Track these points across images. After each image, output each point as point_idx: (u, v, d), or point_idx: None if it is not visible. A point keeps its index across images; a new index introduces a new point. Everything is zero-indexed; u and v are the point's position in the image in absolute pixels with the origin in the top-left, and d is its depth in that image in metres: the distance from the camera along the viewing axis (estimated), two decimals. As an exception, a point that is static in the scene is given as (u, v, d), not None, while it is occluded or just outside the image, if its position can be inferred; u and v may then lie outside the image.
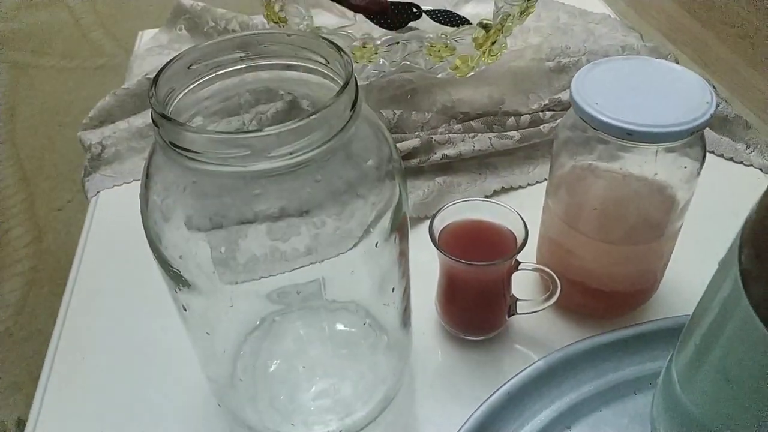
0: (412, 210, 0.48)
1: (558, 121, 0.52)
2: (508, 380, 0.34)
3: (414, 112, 0.54)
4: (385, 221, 0.28)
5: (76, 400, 0.39)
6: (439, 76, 0.55)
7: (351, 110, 0.25)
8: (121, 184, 0.54)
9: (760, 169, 0.52)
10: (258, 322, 0.37)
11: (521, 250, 0.35)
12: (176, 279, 0.27)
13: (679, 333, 0.28)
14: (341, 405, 0.35)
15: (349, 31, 0.50)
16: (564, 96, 0.56)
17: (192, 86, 0.27)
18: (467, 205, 0.38)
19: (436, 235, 0.36)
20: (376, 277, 0.31)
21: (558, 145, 0.36)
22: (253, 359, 0.36)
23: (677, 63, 0.43)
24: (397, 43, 0.51)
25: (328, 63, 0.27)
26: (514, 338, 0.40)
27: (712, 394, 0.24)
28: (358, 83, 0.26)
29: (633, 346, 0.36)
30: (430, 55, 0.52)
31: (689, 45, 0.71)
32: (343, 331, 0.38)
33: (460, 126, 0.54)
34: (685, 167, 0.33)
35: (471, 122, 0.54)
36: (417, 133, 0.53)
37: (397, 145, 0.51)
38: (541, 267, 0.37)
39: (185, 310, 0.30)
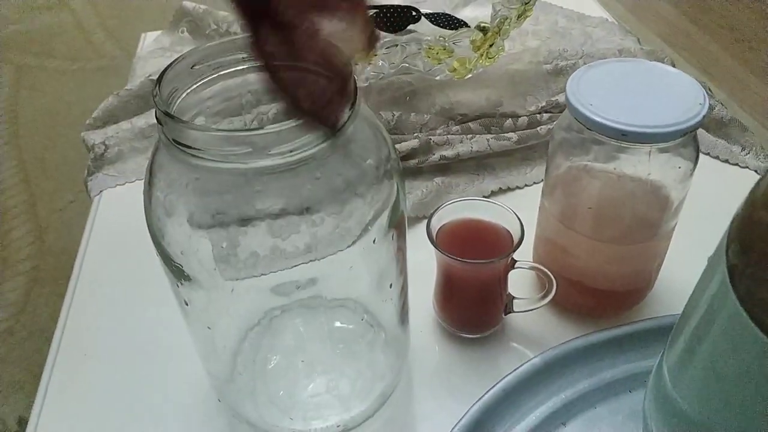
0: (411, 210, 0.48)
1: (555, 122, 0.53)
2: (504, 377, 0.35)
3: (413, 114, 0.55)
4: (383, 219, 0.29)
5: (77, 399, 0.39)
6: (438, 78, 0.56)
7: (350, 109, 0.25)
8: (124, 184, 0.54)
9: (756, 171, 0.52)
10: (258, 319, 0.37)
11: (517, 248, 0.36)
12: (178, 274, 0.28)
13: (673, 331, 0.29)
14: (340, 401, 0.36)
15: (349, 34, 0.51)
16: (561, 98, 0.56)
17: (194, 86, 0.28)
18: (464, 205, 0.38)
19: (434, 234, 0.37)
20: (374, 274, 0.32)
21: (554, 146, 0.37)
22: (253, 355, 0.37)
23: (674, 66, 0.44)
24: (396, 45, 0.51)
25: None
26: (510, 336, 0.40)
27: (701, 388, 0.24)
28: (358, 85, 0.26)
29: (628, 345, 0.37)
30: (429, 57, 0.52)
31: (687, 49, 0.72)
32: (341, 328, 0.39)
33: (458, 127, 0.54)
34: (679, 167, 0.34)
35: (469, 124, 0.55)
36: (416, 134, 0.54)
37: (396, 146, 0.52)
38: (537, 266, 0.38)
39: (186, 304, 0.30)
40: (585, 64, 0.57)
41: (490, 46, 0.53)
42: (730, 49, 0.65)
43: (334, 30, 0.20)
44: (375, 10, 0.64)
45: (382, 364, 0.37)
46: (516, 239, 0.36)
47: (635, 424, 0.34)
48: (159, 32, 0.74)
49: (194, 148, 0.24)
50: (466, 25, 0.64)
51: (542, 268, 0.38)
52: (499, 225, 0.38)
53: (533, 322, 0.41)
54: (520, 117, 0.55)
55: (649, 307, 0.41)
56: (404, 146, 0.52)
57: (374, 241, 0.29)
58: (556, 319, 0.41)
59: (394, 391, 0.37)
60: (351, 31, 0.20)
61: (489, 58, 0.54)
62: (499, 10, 0.52)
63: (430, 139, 0.53)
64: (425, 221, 0.37)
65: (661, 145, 0.32)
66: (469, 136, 0.54)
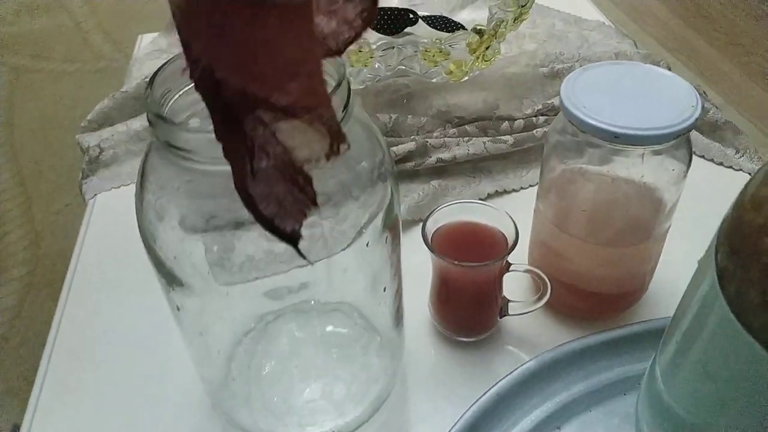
0: (407, 213, 0.48)
1: (551, 125, 0.53)
2: (499, 380, 0.35)
3: (410, 116, 0.55)
4: (377, 222, 0.29)
5: (71, 405, 0.39)
6: (434, 80, 0.56)
7: (343, 111, 0.25)
8: (119, 187, 0.54)
9: (750, 174, 0.53)
10: (252, 324, 0.37)
11: (512, 251, 0.36)
12: (170, 279, 0.28)
13: (666, 333, 0.29)
14: (334, 405, 0.36)
15: (345, 36, 0.51)
16: (557, 101, 0.56)
17: (188, 88, 0.27)
18: (459, 208, 0.38)
19: (429, 237, 0.37)
20: (368, 277, 0.32)
21: (548, 148, 0.37)
22: (247, 360, 0.37)
23: (669, 70, 0.44)
24: (393, 47, 0.51)
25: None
26: (505, 339, 0.40)
27: (692, 391, 0.24)
28: (354, 87, 0.26)
29: (622, 347, 0.37)
30: (425, 59, 0.52)
31: (684, 52, 0.72)
32: (336, 332, 0.39)
33: (455, 130, 0.54)
34: (672, 170, 0.34)
35: (466, 126, 0.55)
36: (412, 136, 0.54)
37: (393, 148, 0.52)
38: (532, 268, 0.38)
39: (179, 310, 0.30)
40: (581, 67, 0.57)
41: (486, 48, 0.53)
42: (726, 52, 0.66)
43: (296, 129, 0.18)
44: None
45: (376, 368, 0.37)
46: (511, 242, 0.36)
47: (630, 427, 0.34)
48: (156, 34, 0.74)
49: (186, 151, 0.23)
50: (463, 27, 0.64)
51: (537, 271, 0.38)
52: (495, 228, 0.38)
53: (528, 325, 0.41)
54: (516, 120, 0.55)
55: (644, 310, 0.41)
56: (401, 149, 0.52)
57: (368, 245, 0.29)
58: (550, 322, 0.41)
59: (389, 395, 0.37)
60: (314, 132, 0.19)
61: (485, 60, 0.54)
62: (496, 13, 0.52)
63: (427, 141, 0.53)
64: (421, 224, 0.37)
65: (654, 147, 0.32)
66: (466, 138, 0.54)
